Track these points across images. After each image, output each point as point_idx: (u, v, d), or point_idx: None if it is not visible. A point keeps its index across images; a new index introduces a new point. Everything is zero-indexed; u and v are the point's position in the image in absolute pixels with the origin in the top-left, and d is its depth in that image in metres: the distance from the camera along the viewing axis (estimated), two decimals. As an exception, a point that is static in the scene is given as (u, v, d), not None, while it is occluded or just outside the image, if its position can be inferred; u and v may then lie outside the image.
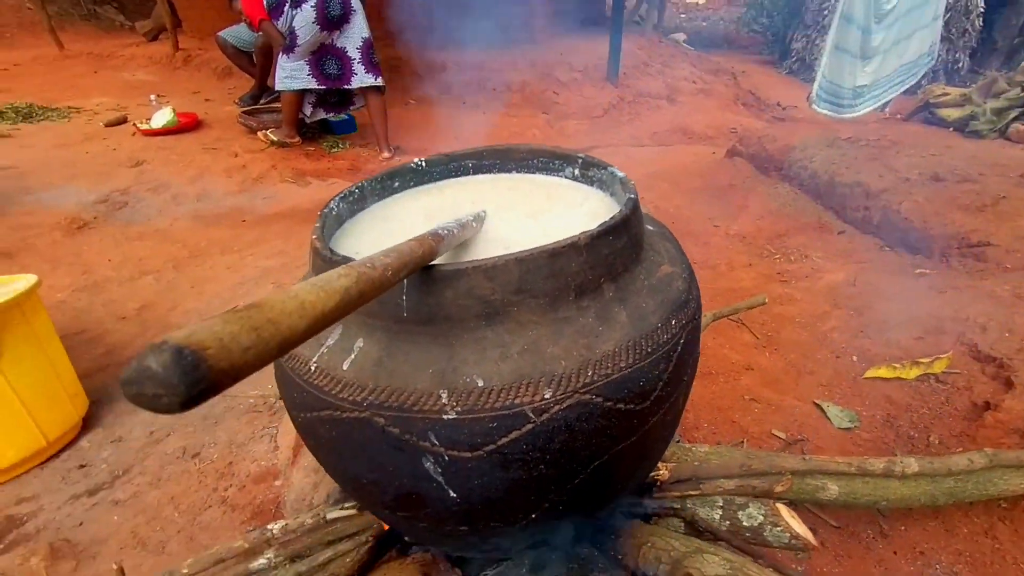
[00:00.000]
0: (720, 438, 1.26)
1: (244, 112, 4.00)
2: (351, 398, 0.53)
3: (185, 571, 0.76)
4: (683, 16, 10.92)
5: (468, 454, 0.52)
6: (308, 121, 3.78)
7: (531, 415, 0.51)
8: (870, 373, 1.41)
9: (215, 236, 2.77)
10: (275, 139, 3.66)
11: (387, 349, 0.54)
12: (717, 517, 0.76)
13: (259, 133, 3.74)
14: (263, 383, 1.50)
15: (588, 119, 4.88)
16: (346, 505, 0.81)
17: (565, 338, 0.54)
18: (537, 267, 0.53)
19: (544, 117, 4.81)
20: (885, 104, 3.92)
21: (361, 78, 3.43)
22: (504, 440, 0.51)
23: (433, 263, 0.52)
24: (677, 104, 5.29)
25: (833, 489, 0.89)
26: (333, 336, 0.56)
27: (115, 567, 0.57)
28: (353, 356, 0.54)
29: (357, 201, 0.76)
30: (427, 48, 5.21)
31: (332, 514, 0.80)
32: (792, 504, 0.88)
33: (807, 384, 1.43)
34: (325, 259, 0.55)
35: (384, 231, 0.73)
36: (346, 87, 3.47)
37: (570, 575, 0.69)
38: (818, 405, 1.35)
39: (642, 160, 3.97)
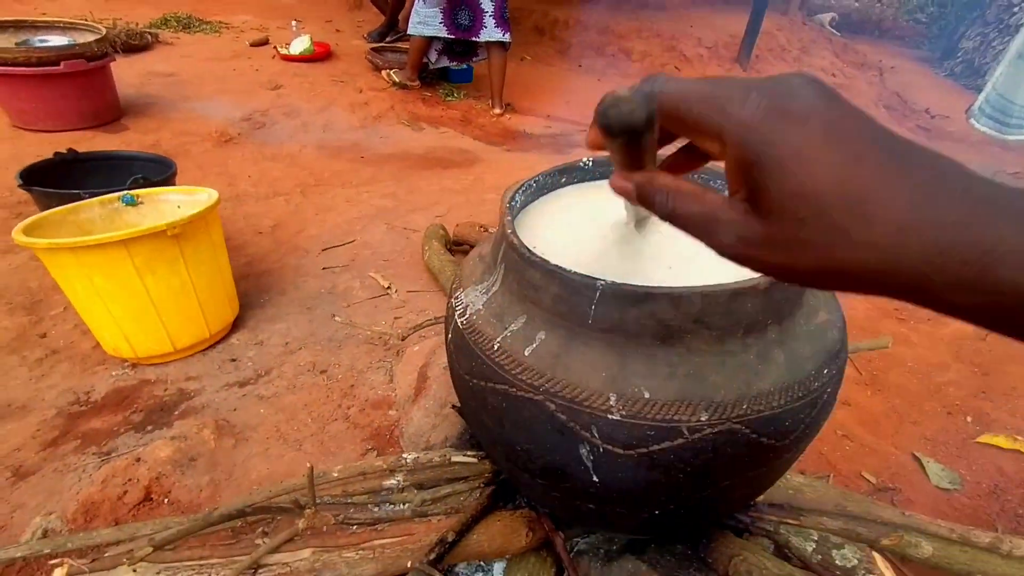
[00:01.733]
0: (805, 467, 1.27)
1: (372, 49, 4.15)
2: (529, 381, 0.61)
3: (335, 475, 0.92)
4: (835, -7, 9.69)
5: (621, 451, 0.59)
6: (432, 67, 3.87)
7: (685, 432, 0.58)
8: (984, 438, 1.34)
9: (336, 168, 2.98)
10: (397, 80, 3.80)
11: (566, 346, 0.61)
12: (810, 549, 0.81)
13: (383, 72, 3.89)
14: (378, 321, 1.67)
15: (708, 101, 4.61)
16: (468, 453, 0.94)
17: (727, 370, 0.59)
18: (718, 302, 0.58)
19: (661, 92, 4.59)
20: (1065, 132, 3.39)
21: (490, 32, 3.46)
22: (656, 447, 0.58)
23: (625, 282, 0.58)
24: (810, 97, 4.84)
25: (927, 549, 0.89)
26: (517, 323, 0.65)
27: (308, 466, 0.72)
28: (535, 345, 0.62)
29: (533, 193, 0.83)
30: (551, 2, 5.07)
31: (456, 457, 0.93)
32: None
33: (908, 434, 1.39)
34: (524, 258, 0.63)
35: (557, 224, 0.79)
36: (474, 39, 3.51)
37: (662, 566, 0.77)
38: (917, 458, 1.31)
39: (759, 155, 3.74)
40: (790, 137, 0.27)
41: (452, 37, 3.52)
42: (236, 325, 1.63)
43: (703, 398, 0.58)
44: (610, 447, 0.59)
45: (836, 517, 0.86)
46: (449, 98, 3.96)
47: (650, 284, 0.58)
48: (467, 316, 0.70)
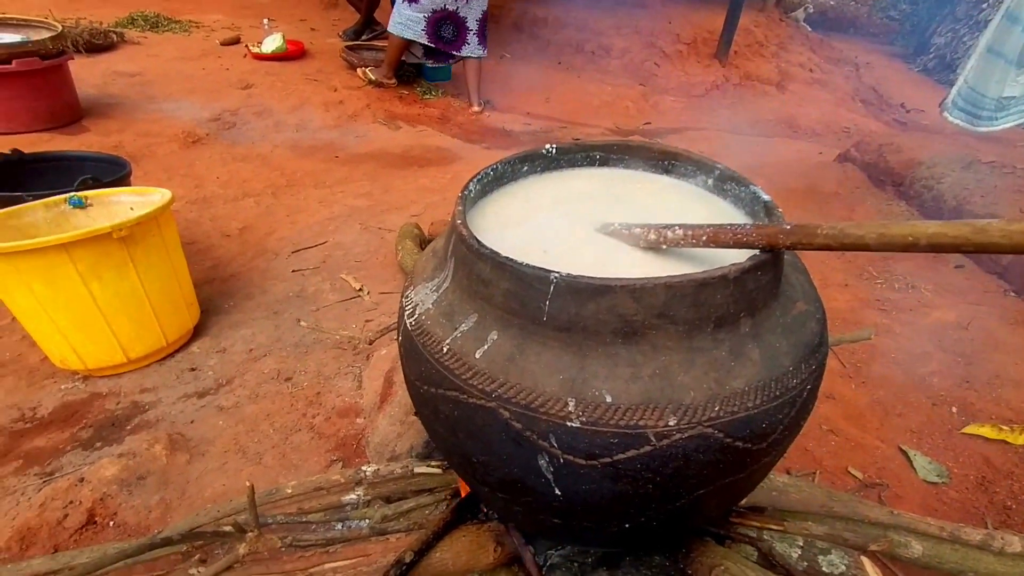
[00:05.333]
0: (791, 464, 1.23)
1: (347, 47, 4.06)
2: (480, 386, 0.55)
3: (289, 491, 0.85)
4: (812, -11, 9.80)
5: (583, 461, 0.54)
6: (407, 63, 3.81)
7: (652, 438, 0.52)
8: (970, 429, 1.31)
9: (309, 168, 2.90)
10: (373, 78, 3.72)
11: (520, 347, 0.55)
12: (795, 556, 0.76)
13: (358, 70, 3.81)
14: (348, 324, 1.60)
15: (687, 97, 4.60)
16: (432, 463, 0.87)
17: (696, 368, 0.54)
18: (683, 294, 0.52)
19: (640, 89, 4.58)
20: (1032, 122, 3.43)
21: (472, 48, 3.51)
22: (621, 456, 0.53)
23: (581, 274, 0.53)
24: (787, 92, 4.86)
25: (917, 548, 0.85)
26: (468, 323, 0.59)
27: (248, 485, 0.65)
28: (486, 347, 0.57)
29: (491, 182, 0.77)
30: (530, 0, 5.02)
31: (419, 468, 0.87)
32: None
33: (894, 426, 1.36)
34: (473, 251, 0.57)
35: (516, 215, 0.74)
36: (455, 53, 3.52)
37: (638, 578, 0.72)
38: (904, 451, 1.28)
39: (738, 150, 3.72)
40: None
41: (432, 46, 3.50)
42: (197, 332, 1.55)
43: (671, 400, 0.52)
44: (571, 457, 0.54)
45: (822, 520, 0.81)
46: (427, 96, 3.89)
47: (610, 276, 0.52)
48: (416, 316, 0.64)
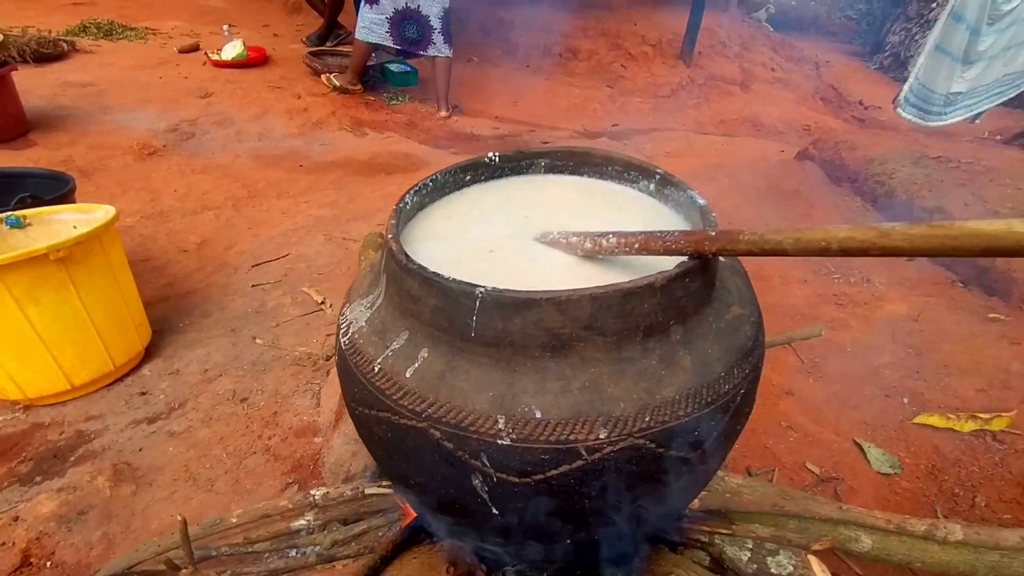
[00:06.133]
0: (751, 463, 1.25)
1: (311, 53, 4.00)
2: (411, 406, 0.54)
3: (234, 520, 0.82)
4: (773, -9, 10.07)
5: (516, 479, 0.53)
6: (371, 66, 3.78)
7: (583, 452, 0.52)
8: (920, 419, 1.35)
9: (272, 178, 2.84)
10: (338, 84, 3.67)
11: (450, 364, 0.54)
12: (744, 559, 0.76)
13: (323, 76, 3.75)
14: (308, 340, 1.57)
15: (654, 98, 4.66)
16: (383, 483, 0.85)
17: (627, 379, 0.53)
18: (610, 305, 0.52)
19: (608, 91, 4.63)
20: (977, 115, 3.58)
21: (439, 48, 3.50)
22: (553, 472, 0.52)
23: (506, 288, 0.52)
24: (750, 92, 4.97)
25: (867, 542, 0.87)
26: (399, 341, 0.57)
27: (180, 520, 0.62)
28: (417, 365, 0.55)
29: (430, 194, 0.76)
30: (497, 3, 5.03)
31: (370, 489, 0.85)
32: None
33: (849, 419, 1.39)
34: (401, 266, 0.56)
35: (455, 228, 0.72)
36: (421, 53, 3.50)
37: (590, 589, 0.71)
38: (858, 444, 1.31)
39: (704, 149, 3.79)
40: None
41: (397, 47, 3.47)
42: (149, 353, 1.49)
43: (601, 413, 0.52)
44: (504, 476, 0.53)
45: (773, 520, 0.82)
46: (394, 102, 3.86)
47: (537, 289, 0.51)
48: (349, 335, 0.62)
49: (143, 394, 1.35)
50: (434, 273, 0.54)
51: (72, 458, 1.17)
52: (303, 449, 1.17)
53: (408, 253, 0.58)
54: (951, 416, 1.33)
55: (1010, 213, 2.11)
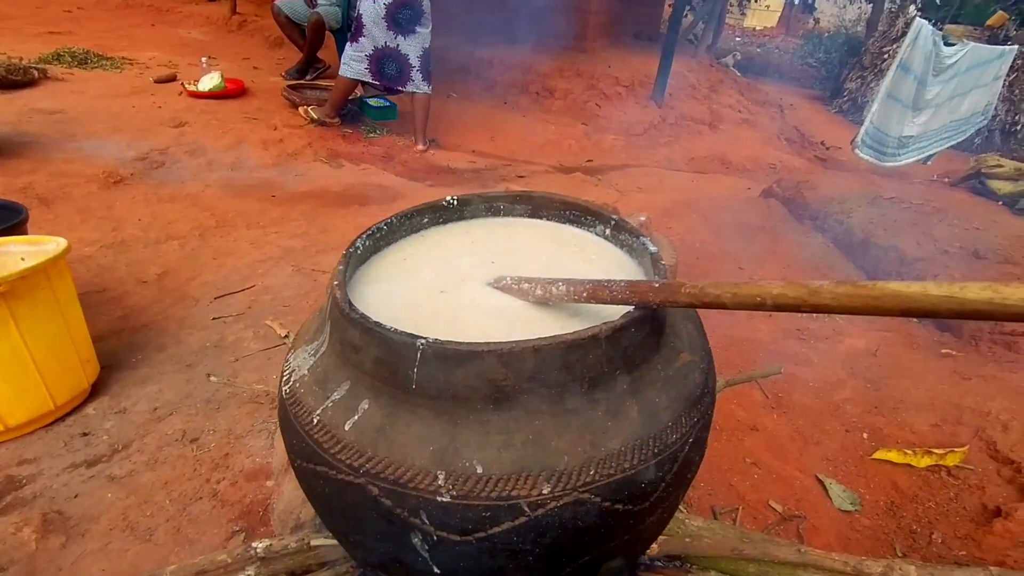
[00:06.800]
0: (716, 501, 1.24)
1: (289, 86, 4.03)
2: (348, 461, 0.52)
3: (167, 577, 0.77)
4: (738, 39, 10.70)
5: (457, 537, 0.51)
6: (351, 99, 3.83)
7: (526, 508, 0.50)
8: (879, 455, 1.37)
9: (243, 208, 2.80)
10: (315, 116, 3.69)
11: (390, 417, 0.53)
12: (700, 610, 0.75)
13: (300, 109, 3.78)
14: (267, 376, 1.52)
15: (627, 136, 4.82)
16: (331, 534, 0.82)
17: (571, 432, 0.53)
18: (553, 356, 0.52)
19: (583, 128, 4.77)
20: (928, 157, 3.82)
21: (417, 85, 3.59)
22: (495, 529, 0.51)
23: (448, 340, 0.51)
24: (718, 132, 5.19)
25: (824, 588, 0.86)
26: (340, 391, 0.56)
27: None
28: (356, 417, 0.54)
29: (384, 237, 0.76)
30: (476, 43, 5.19)
31: (316, 540, 0.81)
32: (779, 598, 0.85)
33: (812, 455, 1.40)
34: (344, 314, 0.55)
35: (407, 274, 0.72)
36: (400, 89, 3.58)
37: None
38: (821, 481, 1.31)
39: (674, 186, 3.91)
40: None
41: (377, 84, 3.55)
42: (96, 391, 1.42)
43: (544, 467, 0.51)
44: (444, 534, 0.51)
45: (732, 565, 0.81)
46: (371, 135, 3.89)
47: (478, 340, 0.51)
48: (291, 383, 0.60)
49: (85, 435, 1.28)
50: (376, 323, 0.53)
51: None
52: (253, 493, 1.12)
53: (353, 299, 0.57)
54: (908, 452, 1.35)
55: (958, 252, 2.22)
